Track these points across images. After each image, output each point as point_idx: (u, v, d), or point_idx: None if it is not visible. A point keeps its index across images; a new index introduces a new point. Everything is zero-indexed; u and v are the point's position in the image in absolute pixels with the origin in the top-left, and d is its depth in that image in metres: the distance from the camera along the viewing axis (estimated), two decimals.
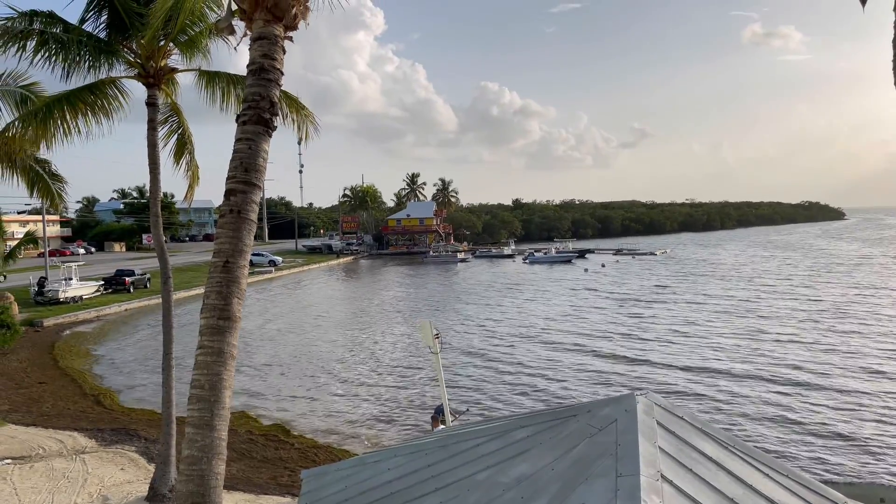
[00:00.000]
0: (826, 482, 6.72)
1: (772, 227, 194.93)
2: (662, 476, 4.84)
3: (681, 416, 5.84)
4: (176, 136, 15.53)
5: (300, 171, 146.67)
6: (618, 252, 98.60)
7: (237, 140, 6.09)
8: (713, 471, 5.24)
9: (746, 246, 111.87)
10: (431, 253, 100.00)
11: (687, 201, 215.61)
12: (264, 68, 6.22)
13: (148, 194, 16.08)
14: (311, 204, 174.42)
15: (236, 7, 6.59)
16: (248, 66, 6.30)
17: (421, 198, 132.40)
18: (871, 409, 20.95)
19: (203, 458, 5.51)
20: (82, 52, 12.75)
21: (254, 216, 6.10)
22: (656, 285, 58.01)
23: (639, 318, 40.37)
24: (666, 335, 34.54)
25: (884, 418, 20.00)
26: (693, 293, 51.70)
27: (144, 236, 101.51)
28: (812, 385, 23.93)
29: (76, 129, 13.04)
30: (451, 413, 16.81)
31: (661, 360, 28.81)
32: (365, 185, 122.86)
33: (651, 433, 5.34)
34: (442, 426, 15.48)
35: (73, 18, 12.99)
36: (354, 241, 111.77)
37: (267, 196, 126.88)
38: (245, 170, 5.99)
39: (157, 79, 13.87)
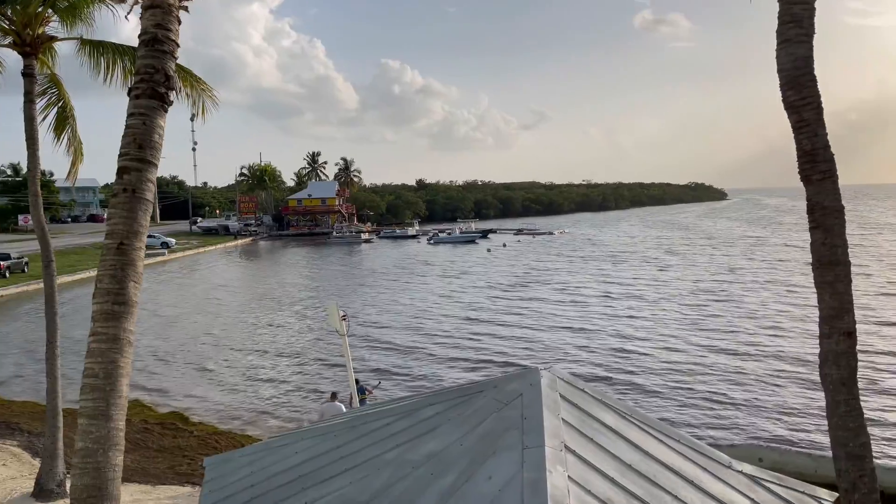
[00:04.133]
0: (713, 445, 7.21)
1: (662, 206, 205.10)
2: (566, 446, 5.05)
3: (582, 389, 6.09)
4: (56, 108, 14.49)
5: (193, 149, 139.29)
6: (519, 232, 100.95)
7: (130, 115, 5.75)
8: (613, 439, 5.51)
9: (633, 225, 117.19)
10: (335, 234, 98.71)
11: (583, 182, 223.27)
12: (158, 39, 5.87)
13: (25, 171, 14.94)
14: (205, 183, 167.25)
15: None
16: (139, 36, 5.94)
17: (322, 177, 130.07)
18: (747, 377, 22.59)
19: (99, 450, 5.24)
20: None
21: (149, 195, 5.80)
22: (553, 265, 59.91)
23: (540, 296, 41.59)
24: (565, 311, 35.79)
25: (757, 385, 21.61)
26: (587, 272, 53.75)
27: (21, 217, 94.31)
28: (699, 356, 25.50)
29: None
30: (365, 387, 16.81)
31: (563, 334, 29.86)
32: (263, 164, 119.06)
33: (555, 406, 5.54)
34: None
35: None
36: (253, 221, 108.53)
37: (158, 174, 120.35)
38: (139, 146, 5.66)
39: (34, 48, 12.87)
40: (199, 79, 13.04)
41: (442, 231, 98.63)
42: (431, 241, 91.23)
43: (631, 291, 41.94)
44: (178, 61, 6.18)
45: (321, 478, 5.80)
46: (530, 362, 24.32)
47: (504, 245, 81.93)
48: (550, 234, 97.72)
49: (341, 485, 5.53)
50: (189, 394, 23.10)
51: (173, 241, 79.90)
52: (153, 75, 5.81)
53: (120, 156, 5.74)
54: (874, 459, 6.75)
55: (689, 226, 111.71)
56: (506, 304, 38.93)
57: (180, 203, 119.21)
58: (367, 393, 16.32)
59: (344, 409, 14.94)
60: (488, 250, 75.76)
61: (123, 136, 5.79)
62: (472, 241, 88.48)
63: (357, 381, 16.98)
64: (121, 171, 5.70)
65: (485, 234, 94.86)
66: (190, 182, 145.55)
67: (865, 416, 6.78)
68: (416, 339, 30.55)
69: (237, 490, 6.23)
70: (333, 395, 15.67)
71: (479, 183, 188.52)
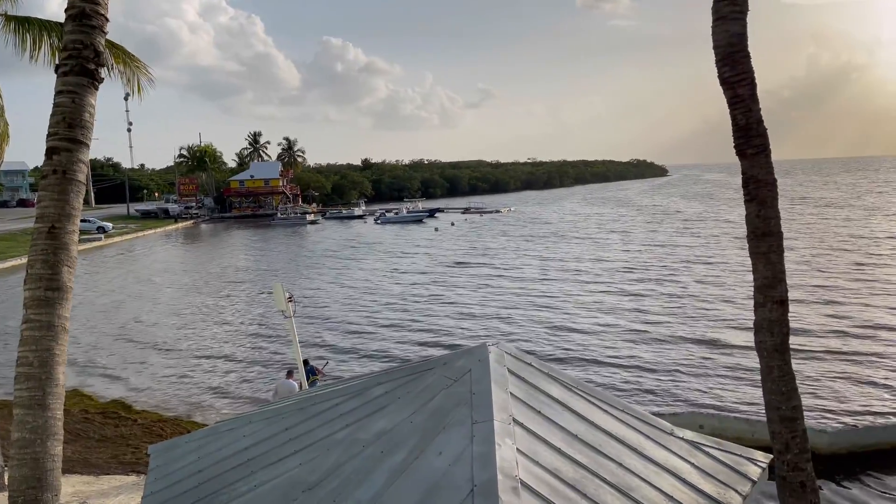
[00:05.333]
0: (655, 414, 7.43)
1: (605, 183, 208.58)
2: (514, 420, 5.14)
3: (529, 363, 6.19)
4: None
5: (128, 130, 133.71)
6: (466, 211, 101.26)
7: (58, 93, 5.50)
8: (559, 411, 5.64)
9: (575, 203, 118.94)
10: (279, 215, 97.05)
11: (529, 160, 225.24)
12: (86, 13, 5.61)
13: None
14: (142, 165, 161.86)
15: None
16: (66, 10, 5.66)
17: (265, 158, 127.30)
18: (686, 350, 23.36)
19: (36, 440, 5.07)
20: None
21: (81, 177, 5.57)
22: (498, 244, 60.43)
23: (484, 275, 41.94)
24: (508, 290, 36.22)
25: (696, 357, 22.38)
26: (529, 250, 54.39)
27: None
28: (638, 331, 26.21)
29: None
30: (316, 367, 16.70)
31: (513, 312, 30.22)
32: (203, 145, 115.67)
33: (503, 380, 5.63)
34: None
35: None
36: (194, 204, 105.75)
37: (91, 157, 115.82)
38: (69, 126, 5.42)
39: None
40: (133, 55, 12.56)
41: (389, 211, 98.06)
42: (378, 221, 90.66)
43: (571, 269, 42.69)
44: (108, 37, 5.93)
45: (270, 460, 5.77)
46: (476, 340, 24.55)
47: (452, 224, 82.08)
48: (498, 212, 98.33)
49: (291, 466, 5.50)
50: (131, 381, 22.53)
51: (110, 225, 77.25)
52: (82, 51, 5.56)
53: (49, 136, 5.50)
54: (805, 421, 7.08)
55: (630, 202, 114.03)
56: (453, 284, 39.14)
57: (116, 186, 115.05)
58: (317, 374, 16.21)
59: (296, 387, 14.89)
60: (436, 229, 75.81)
61: (52, 116, 5.54)
62: (420, 221, 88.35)
63: (307, 363, 16.86)
64: (50, 152, 5.46)
65: (432, 213, 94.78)
66: (126, 164, 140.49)
67: (797, 380, 7.10)
68: (365, 319, 30.45)
69: (184, 476, 6.14)
70: (289, 373, 15.56)
71: (426, 162, 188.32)
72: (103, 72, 5.81)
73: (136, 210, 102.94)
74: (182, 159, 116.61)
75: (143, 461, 13.94)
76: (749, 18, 6.78)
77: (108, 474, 14.28)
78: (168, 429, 17.26)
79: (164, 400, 20.54)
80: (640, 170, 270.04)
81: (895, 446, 14.33)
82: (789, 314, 7.01)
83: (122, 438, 16.84)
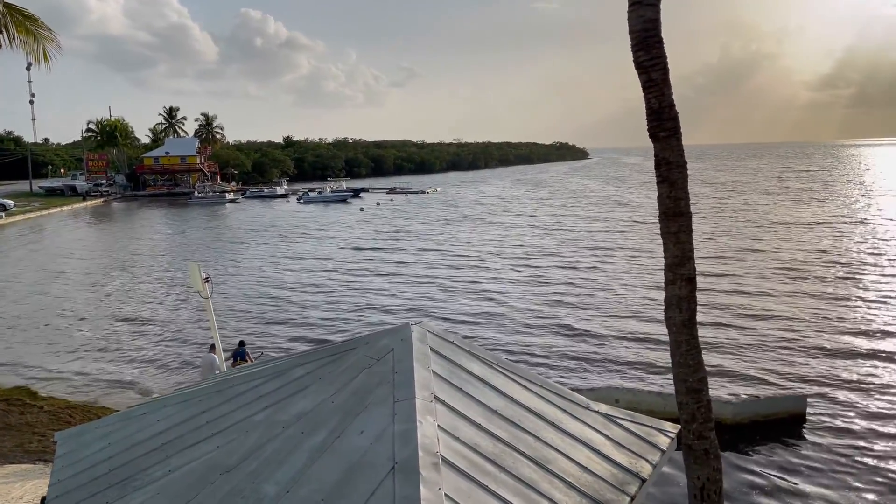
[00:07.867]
0: (573, 389, 7.67)
1: (529, 165, 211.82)
2: (436, 397, 5.20)
3: (451, 341, 6.26)
4: None
5: (31, 102, 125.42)
6: (391, 191, 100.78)
7: None
8: (480, 388, 5.74)
9: (492, 185, 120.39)
10: (197, 194, 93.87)
11: (454, 141, 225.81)
12: None
13: None
14: (46, 140, 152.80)
15: None
16: None
17: (181, 134, 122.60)
18: (598, 329, 24.17)
19: None
20: None
21: None
22: (421, 225, 60.55)
23: (411, 257, 41.98)
24: (439, 269, 36.42)
25: (612, 332, 23.19)
26: (453, 232, 54.79)
27: None
28: (557, 309, 26.91)
29: None
30: (246, 351, 16.34)
31: (433, 293, 30.40)
32: (113, 119, 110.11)
33: (425, 359, 5.67)
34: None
35: None
36: (104, 181, 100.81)
37: None
38: None
39: None
40: (36, 19, 11.73)
41: (312, 190, 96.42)
42: (301, 201, 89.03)
43: (491, 250, 43.31)
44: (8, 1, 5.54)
45: (186, 444, 5.63)
46: (399, 320, 24.58)
47: (378, 204, 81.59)
48: (424, 192, 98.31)
49: (208, 449, 5.39)
50: (36, 367, 21.41)
51: (11, 202, 72.90)
52: None
53: None
54: (710, 392, 7.47)
55: (549, 184, 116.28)
56: (376, 265, 39.00)
57: (18, 161, 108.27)
58: (246, 359, 15.79)
59: (216, 360, 14.58)
60: (361, 209, 75.18)
61: None
62: (344, 201, 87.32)
63: (242, 343, 16.50)
64: None
65: (357, 192, 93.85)
66: (28, 138, 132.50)
67: (703, 353, 7.47)
68: (285, 301, 29.94)
69: (93, 463, 5.91)
70: (212, 347, 15.21)
71: (350, 141, 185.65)
72: (3, 40, 5.43)
73: (41, 187, 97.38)
74: (90, 134, 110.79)
75: (50, 449, 13.33)
76: (664, 5, 6.99)
77: (12, 463, 13.62)
78: (77, 415, 16.55)
79: (73, 386, 19.64)
80: (563, 152, 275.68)
81: (793, 415, 15.34)
82: (697, 291, 7.34)
83: (27, 426, 16.05)
